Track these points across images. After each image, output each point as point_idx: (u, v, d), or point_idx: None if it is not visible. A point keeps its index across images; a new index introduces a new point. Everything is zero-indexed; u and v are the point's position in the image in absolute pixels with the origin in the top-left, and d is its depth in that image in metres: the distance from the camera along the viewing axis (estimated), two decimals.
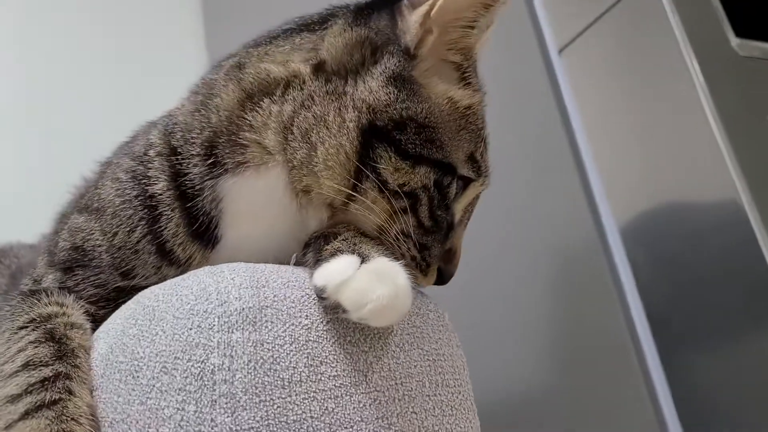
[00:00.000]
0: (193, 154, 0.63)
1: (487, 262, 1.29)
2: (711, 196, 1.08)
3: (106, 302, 0.61)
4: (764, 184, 1.05)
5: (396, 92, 0.60)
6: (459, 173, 0.61)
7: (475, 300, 1.30)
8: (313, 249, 0.58)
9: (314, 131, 0.59)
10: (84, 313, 0.59)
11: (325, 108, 0.60)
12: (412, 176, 0.58)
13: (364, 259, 0.53)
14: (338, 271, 0.52)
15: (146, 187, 0.63)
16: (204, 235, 0.62)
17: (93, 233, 0.64)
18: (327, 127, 0.59)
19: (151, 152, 0.66)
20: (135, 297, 0.55)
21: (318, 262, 0.55)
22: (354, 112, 0.59)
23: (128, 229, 0.62)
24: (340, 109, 0.59)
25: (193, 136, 0.64)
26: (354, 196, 0.59)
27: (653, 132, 1.17)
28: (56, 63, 1.79)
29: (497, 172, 1.30)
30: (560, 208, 1.28)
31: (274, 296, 0.53)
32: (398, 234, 0.59)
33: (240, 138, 0.61)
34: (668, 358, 1.16)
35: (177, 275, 0.61)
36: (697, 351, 1.12)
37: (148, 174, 0.64)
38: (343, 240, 0.57)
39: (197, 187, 0.62)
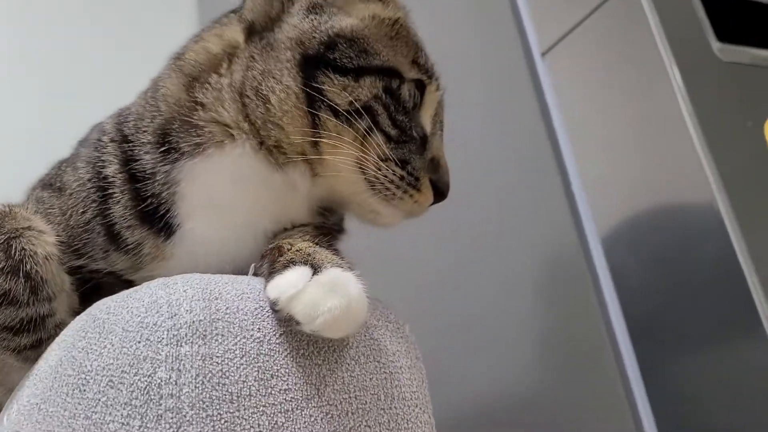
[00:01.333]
0: (144, 142, 0.65)
1: (467, 267, 1.29)
2: (690, 202, 1.08)
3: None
4: (744, 190, 1.04)
5: (317, 18, 0.63)
6: (407, 77, 0.62)
7: (456, 305, 1.29)
8: (267, 260, 0.58)
9: (263, 85, 0.62)
10: None
11: (265, 61, 0.63)
12: (359, 89, 0.60)
13: (316, 270, 0.53)
14: (290, 283, 0.52)
15: (100, 170, 0.65)
16: (153, 218, 0.63)
17: (53, 209, 0.65)
18: (272, 77, 0.62)
19: (105, 138, 0.68)
20: (88, 309, 0.55)
21: (271, 273, 0.55)
22: (288, 52, 0.62)
23: (81, 210, 0.64)
24: (277, 57, 0.62)
25: (145, 124, 0.66)
26: (319, 133, 0.60)
27: (634, 137, 1.17)
28: (51, 58, 1.78)
29: (480, 173, 1.30)
30: (542, 212, 1.28)
31: (227, 308, 0.52)
32: (377, 162, 0.60)
33: (194, 120, 0.63)
34: (647, 365, 1.16)
35: (128, 266, 0.62)
36: (676, 357, 1.12)
37: (102, 158, 0.66)
38: (297, 251, 0.56)
39: (148, 172, 0.64)
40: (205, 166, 0.63)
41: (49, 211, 0.65)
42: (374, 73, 0.60)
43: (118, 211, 0.63)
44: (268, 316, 0.53)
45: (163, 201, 0.63)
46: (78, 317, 0.56)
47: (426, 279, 1.36)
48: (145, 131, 0.66)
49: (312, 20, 0.63)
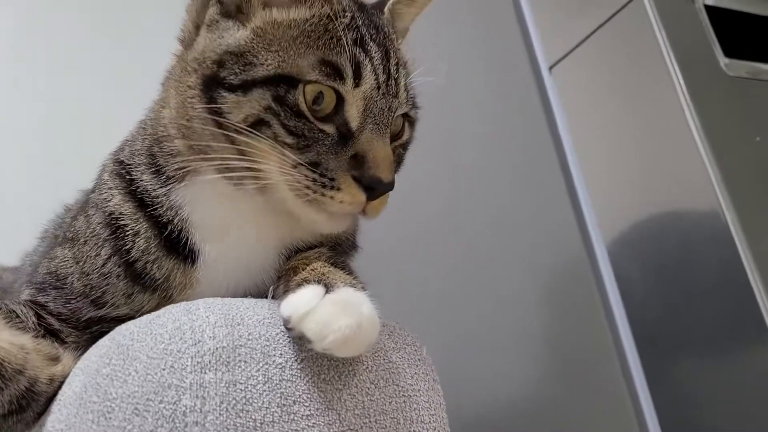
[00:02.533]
0: (139, 163, 0.66)
1: (475, 274, 1.30)
2: (696, 211, 1.09)
3: (75, 328, 0.61)
4: (749, 200, 1.05)
5: (211, 35, 0.62)
6: (306, 79, 0.58)
7: (463, 313, 1.30)
8: (283, 280, 0.58)
9: (185, 114, 0.62)
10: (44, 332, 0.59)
11: (182, 89, 0.62)
12: (249, 103, 0.58)
13: (329, 289, 0.53)
14: (302, 301, 0.52)
15: (105, 209, 0.64)
16: (178, 246, 0.62)
17: (66, 260, 0.64)
18: (188, 104, 0.61)
19: (105, 175, 0.68)
20: (111, 333, 0.55)
21: (286, 292, 0.55)
22: (192, 76, 0.61)
23: (95, 253, 0.63)
24: (187, 82, 0.62)
25: (137, 147, 0.67)
26: (242, 151, 0.59)
27: (641, 149, 1.17)
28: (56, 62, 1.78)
29: (488, 183, 1.31)
30: (549, 221, 1.29)
31: (249, 335, 0.53)
32: (289, 169, 0.58)
33: (169, 147, 0.64)
34: (652, 370, 1.17)
35: (156, 304, 0.61)
36: (680, 363, 1.13)
37: (102, 197, 0.66)
38: (311, 270, 0.57)
39: (152, 194, 0.64)
40: (193, 191, 0.63)
41: (61, 264, 0.64)
42: (262, 85, 0.58)
43: (140, 245, 0.62)
44: (289, 342, 0.54)
45: (179, 227, 0.63)
46: (101, 341, 0.56)
47: (433, 286, 1.37)
48: (139, 153, 0.66)
49: (207, 39, 0.62)
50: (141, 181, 0.64)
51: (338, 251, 0.69)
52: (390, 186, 0.60)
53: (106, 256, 0.62)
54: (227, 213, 0.64)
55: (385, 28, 0.66)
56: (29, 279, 0.67)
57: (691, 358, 1.10)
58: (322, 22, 0.60)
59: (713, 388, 1.06)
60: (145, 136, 0.67)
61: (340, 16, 0.60)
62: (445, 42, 1.41)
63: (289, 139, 0.58)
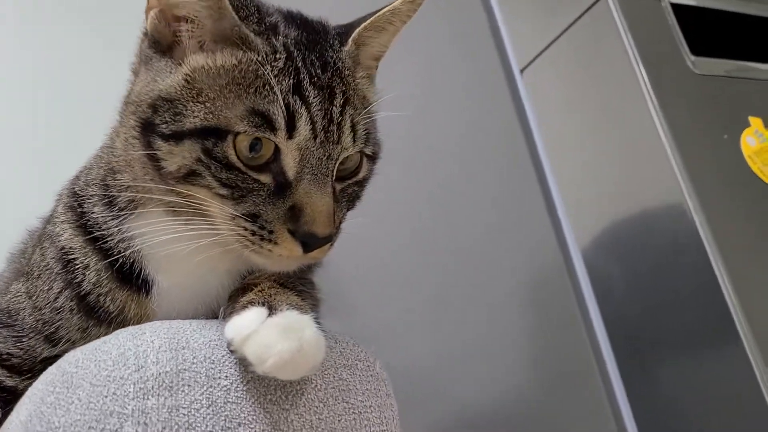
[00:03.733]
0: (92, 194, 0.65)
1: (453, 282, 1.30)
2: (666, 214, 1.09)
3: (30, 371, 0.60)
4: (719, 202, 1.05)
5: (147, 75, 0.59)
6: (235, 130, 0.55)
7: (442, 320, 1.30)
8: (232, 301, 0.58)
9: (126, 154, 0.61)
10: None
11: (125, 128, 0.61)
12: (181, 154, 0.56)
13: (272, 312, 0.53)
14: (244, 324, 0.52)
15: (57, 243, 0.64)
16: (131, 277, 0.62)
17: (19, 295, 0.64)
18: (129, 144, 0.60)
19: (59, 207, 0.67)
20: (59, 361, 0.56)
21: (231, 314, 0.55)
22: (132, 117, 0.59)
23: (47, 287, 0.62)
24: (128, 122, 0.60)
25: (92, 176, 0.66)
26: (185, 196, 0.57)
27: (610, 150, 1.18)
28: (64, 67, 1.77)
29: (462, 189, 1.31)
30: (525, 225, 1.29)
31: (194, 358, 0.53)
32: (230, 220, 0.57)
33: (122, 178, 0.63)
34: (628, 372, 1.17)
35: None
36: (656, 364, 1.13)
37: (56, 230, 0.65)
38: (258, 291, 0.57)
39: (102, 227, 0.63)
40: (143, 223, 0.62)
41: (14, 299, 0.63)
42: (190, 137, 0.56)
43: (91, 277, 0.61)
44: (235, 364, 0.54)
45: (131, 259, 0.62)
46: (48, 369, 0.56)
47: (412, 295, 1.37)
48: (93, 184, 0.65)
49: (144, 78, 0.60)
50: (92, 213, 0.64)
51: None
52: (326, 240, 0.57)
53: (57, 290, 0.62)
54: (170, 246, 0.61)
55: (337, 64, 0.61)
56: None
57: (667, 360, 1.11)
58: (251, 68, 0.56)
59: (689, 390, 1.07)
60: (100, 165, 0.66)
61: (269, 61, 0.57)
62: (416, 45, 1.42)
63: (222, 191, 0.56)
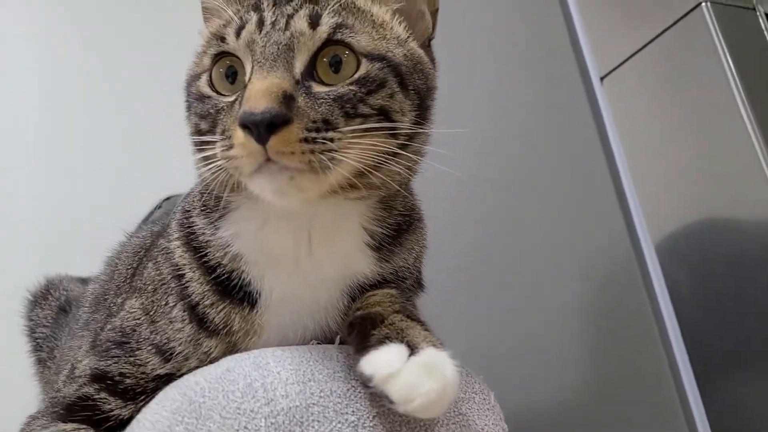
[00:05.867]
0: (195, 207, 0.66)
1: (522, 274, 1.29)
2: (751, 220, 1.05)
3: (143, 394, 0.60)
4: None
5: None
6: (205, 65, 0.62)
7: (509, 312, 1.30)
8: (357, 332, 0.57)
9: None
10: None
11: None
12: (188, 116, 0.62)
13: (413, 350, 0.52)
14: (387, 362, 0.51)
15: (172, 260, 0.65)
16: (231, 289, 0.62)
17: (134, 311, 0.65)
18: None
19: (173, 223, 0.68)
20: (177, 385, 0.55)
21: (366, 348, 0.54)
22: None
23: (164, 302, 0.63)
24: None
25: (195, 189, 0.67)
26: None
27: (697, 159, 1.14)
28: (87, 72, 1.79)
29: (536, 192, 1.29)
30: (596, 224, 1.26)
31: (321, 391, 0.52)
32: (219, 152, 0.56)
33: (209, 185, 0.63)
34: (703, 377, 1.14)
35: (222, 350, 0.61)
36: (736, 376, 1.09)
37: (170, 247, 0.66)
38: (389, 325, 0.56)
39: (201, 238, 0.64)
40: (233, 223, 0.63)
41: (128, 316, 0.64)
42: (188, 95, 0.63)
43: (197, 289, 0.62)
44: (360, 398, 0.53)
45: (229, 268, 0.62)
46: (168, 393, 0.56)
47: (480, 285, 1.36)
48: (195, 197, 0.67)
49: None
50: (195, 226, 0.65)
51: (402, 288, 0.67)
52: (262, 116, 0.51)
53: (173, 304, 0.63)
54: (272, 241, 0.62)
55: None
56: (91, 343, 0.67)
57: (746, 369, 1.07)
58: (226, 17, 0.63)
59: (765, 395, 1.03)
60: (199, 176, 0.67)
61: (238, 10, 0.62)
62: (492, 49, 1.38)
63: (202, 124, 0.59)
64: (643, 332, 1.20)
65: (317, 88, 0.56)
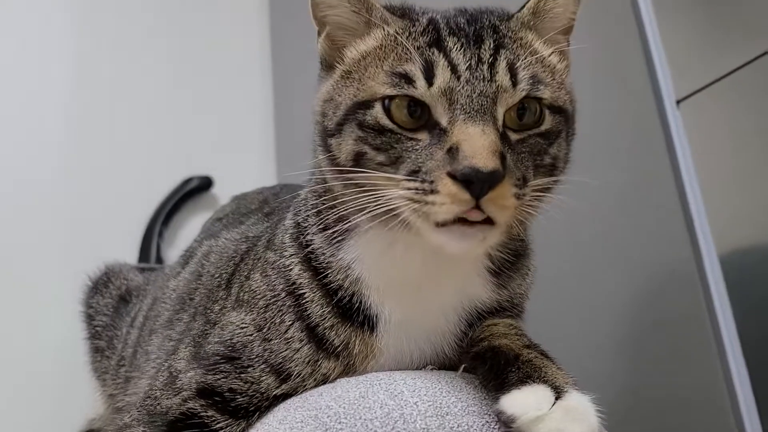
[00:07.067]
0: (311, 224, 0.65)
1: (580, 275, 1.29)
2: None
3: (255, 412, 0.60)
4: None
5: (319, 92, 0.65)
6: (379, 95, 0.58)
7: (568, 316, 1.29)
8: (490, 367, 0.56)
9: (318, 164, 0.65)
10: None
11: (315, 145, 0.66)
12: (345, 141, 0.59)
13: (559, 394, 0.52)
14: (533, 405, 0.51)
15: (287, 276, 0.64)
16: (351, 312, 0.61)
17: (245, 327, 0.64)
18: (319, 157, 0.64)
19: (286, 239, 0.68)
20: (304, 406, 0.55)
21: (504, 385, 0.53)
22: (315, 132, 0.65)
23: (278, 320, 0.63)
24: (316, 141, 0.65)
25: (310, 205, 0.66)
26: (360, 185, 0.58)
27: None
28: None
29: (603, 206, 1.29)
30: (663, 247, 1.25)
31: (458, 426, 0.52)
32: (398, 189, 0.55)
33: (327, 202, 0.64)
34: (762, 392, 1.12)
35: (340, 372, 0.60)
36: None
37: (285, 263, 0.65)
38: (526, 363, 0.55)
39: (321, 259, 0.63)
40: (358, 246, 0.62)
41: (239, 332, 0.63)
42: (346, 119, 0.59)
43: (316, 311, 0.62)
44: None
45: (350, 291, 0.62)
46: (294, 413, 0.55)
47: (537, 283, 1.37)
48: (311, 213, 0.66)
49: (317, 96, 0.65)
50: (313, 243, 0.64)
51: (514, 314, 0.67)
52: (491, 176, 0.52)
53: (289, 322, 0.62)
54: (395, 267, 0.62)
55: (492, 22, 0.61)
56: (194, 352, 0.67)
57: None
58: (390, 42, 0.61)
59: None
60: (312, 191, 0.67)
61: (408, 28, 0.60)
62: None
63: (380, 158, 0.57)
64: (700, 345, 1.19)
65: (513, 136, 0.57)
